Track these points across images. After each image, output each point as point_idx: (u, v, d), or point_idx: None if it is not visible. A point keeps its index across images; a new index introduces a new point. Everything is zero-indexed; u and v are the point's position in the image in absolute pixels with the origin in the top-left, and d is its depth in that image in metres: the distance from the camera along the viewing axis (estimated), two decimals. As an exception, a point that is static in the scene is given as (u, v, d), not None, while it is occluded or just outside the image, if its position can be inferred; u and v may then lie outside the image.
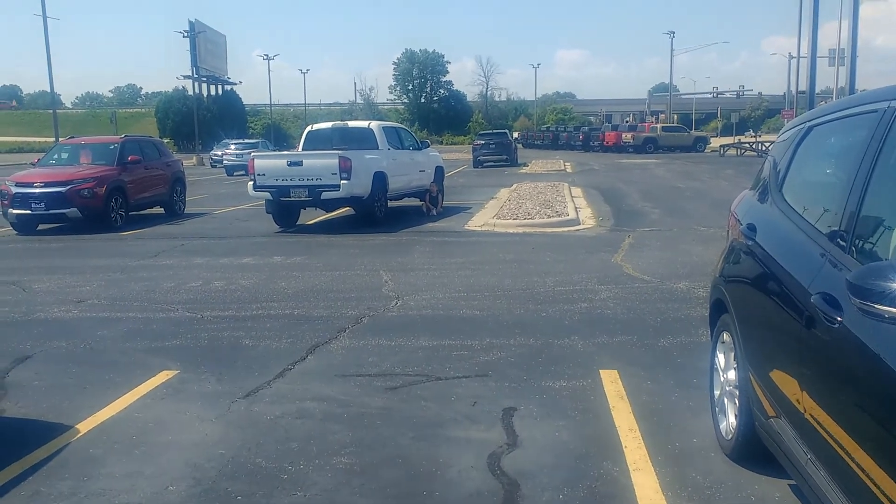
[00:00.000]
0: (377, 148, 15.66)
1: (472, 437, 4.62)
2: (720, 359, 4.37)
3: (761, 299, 3.55)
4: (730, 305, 3.99)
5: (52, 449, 4.53)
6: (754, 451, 3.90)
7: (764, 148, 49.38)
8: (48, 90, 49.91)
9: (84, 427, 4.87)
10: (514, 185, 23.97)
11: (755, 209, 4.11)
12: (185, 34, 70.60)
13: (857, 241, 2.76)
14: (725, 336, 4.21)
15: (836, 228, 2.89)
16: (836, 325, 2.60)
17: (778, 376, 3.32)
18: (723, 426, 4.28)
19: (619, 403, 5.10)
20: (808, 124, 3.77)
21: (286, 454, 4.41)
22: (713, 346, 4.53)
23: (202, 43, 75.13)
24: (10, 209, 15.24)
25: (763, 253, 3.62)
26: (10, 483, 4.09)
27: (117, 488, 4.02)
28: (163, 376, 5.88)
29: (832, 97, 58.34)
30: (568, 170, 35.60)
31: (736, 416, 4.02)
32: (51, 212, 15.16)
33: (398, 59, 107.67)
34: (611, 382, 5.52)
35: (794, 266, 3.19)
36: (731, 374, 4.11)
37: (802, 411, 2.98)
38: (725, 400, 4.24)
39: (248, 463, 4.31)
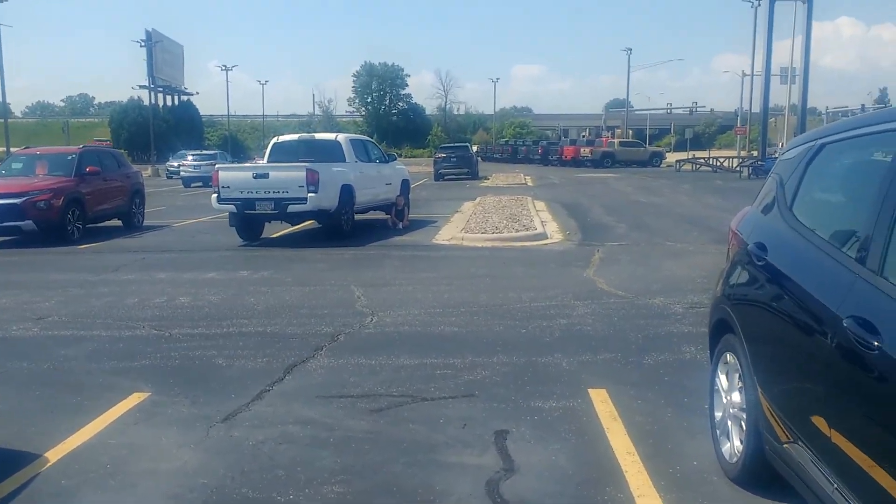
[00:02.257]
0: (344, 161, 15.44)
1: (467, 462, 4.45)
2: (722, 380, 4.27)
3: (777, 321, 3.45)
4: (737, 326, 3.89)
5: (20, 481, 4.24)
6: (761, 475, 3.80)
7: (718, 163, 50.42)
8: (-3, 99, 48.37)
9: (53, 455, 4.59)
10: (478, 199, 23.91)
11: (762, 227, 4.02)
12: (142, 44, 69.56)
13: (889, 263, 2.67)
14: (729, 357, 4.11)
15: (866, 251, 2.80)
16: (875, 351, 2.50)
17: (798, 401, 3.22)
18: (725, 449, 4.17)
19: (613, 425, 4.97)
20: (820, 142, 3.70)
21: (273, 483, 4.19)
22: (714, 366, 4.43)
23: (159, 53, 74.15)
24: (-38, 222, 14.63)
25: (777, 273, 3.53)
26: (-23, 519, 3.81)
27: (94, 523, 3.76)
28: (134, 399, 5.60)
29: (783, 114, 59.78)
30: (529, 183, 35.70)
31: (741, 439, 3.92)
32: (4, 224, 14.54)
33: (357, 71, 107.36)
34: (601, 402, 5.40)
35: (816, 288, 3.09)
36: (736, 397, 4.01)
37: (828, 437, 2.88)
38: (729, 422, 4.13)
39: (233, 493, 4.08)
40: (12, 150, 20.26)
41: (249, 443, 4.77)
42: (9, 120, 57.68)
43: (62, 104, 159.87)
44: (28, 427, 5.08)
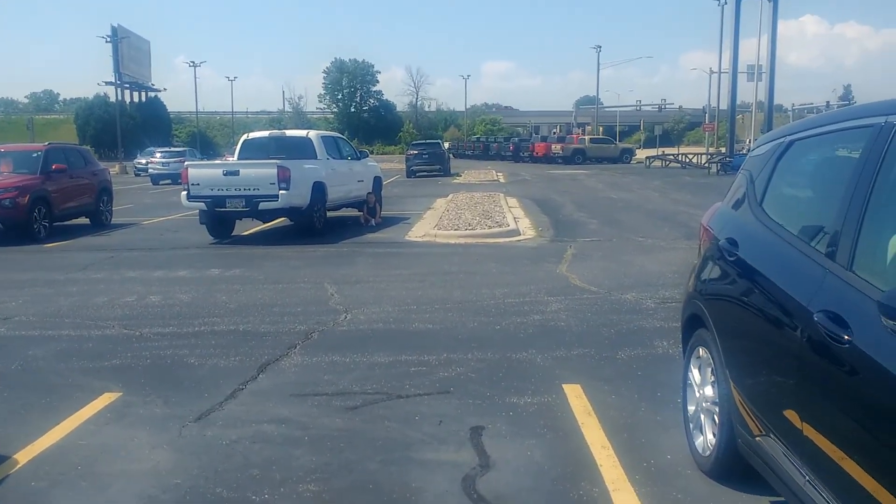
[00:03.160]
0: (316, 157, 15.35)
1: (443, 459, 4.45)
2: (695, 374, 4.32)
3: (748, 315, 3.50)
4: (709, 321, 3.93)
5: (-10, 483, 4.18)
6: (734, 468, 3.85)
7: (687, 160, 50.96)
8: (-41, 94, 47.56)
9: (23, 457, 4.52)
10: (451, 196, 23.92)
11: (733, 223, 4.07)
12: (108, 39, 68.72)
13: (859, 258, 2.71)
14: (701, 351, 4.15)
15: (835, 246, 2.84)
16: (846, 345, 2.54)
17: (769, 395, 3.26)
18: (698, 443, 4.22)
19: (588, 420, 5.01)
20: (789, 139, 3.76)
21: (248, 482, 4.16)
22: (686, 361, 4.48)
23: (125, 49, 73.26)
24: (-76, 220, 14.36)
25: (749, 268, 3.57)
26: (-55, 523, 3.74)
27: (66, 525, 3.71)
28: (105, 399, 5.53)
29: (751, 111, 60.53)
30: (501, 180, 35.79)
31: (714, 433, 3.97)
32: (-32, 222, 14.34)
33: (327, 68, 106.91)
34: (575, 397, 5.44)
35: (787, 283, 3.14)
36: (709, 391, 4.06)
37: (800, 430, 2.92)
38: (702, 416, 4.18)
39: (207, 493, 4.04)
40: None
41: (223, 442, 4.73)
42: (-29, 116, 56.57)
43: (26, 100, 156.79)
44: (-4, 429, 5.00)
